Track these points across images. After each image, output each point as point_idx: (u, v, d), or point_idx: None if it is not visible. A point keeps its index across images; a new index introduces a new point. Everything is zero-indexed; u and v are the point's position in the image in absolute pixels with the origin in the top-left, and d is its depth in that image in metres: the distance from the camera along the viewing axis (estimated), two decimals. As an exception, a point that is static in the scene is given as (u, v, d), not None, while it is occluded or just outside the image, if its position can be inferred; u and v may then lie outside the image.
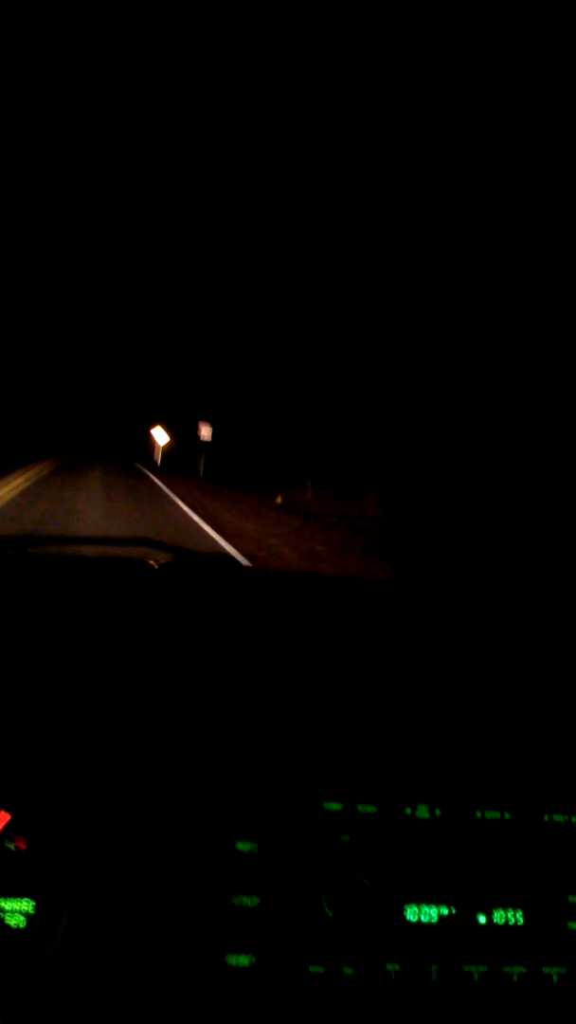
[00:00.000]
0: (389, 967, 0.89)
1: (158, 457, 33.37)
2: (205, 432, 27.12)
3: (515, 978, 0.91)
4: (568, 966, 0.92)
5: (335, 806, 0.90)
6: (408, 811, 0.92)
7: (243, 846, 0.87)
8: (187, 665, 0.99)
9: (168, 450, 33.21)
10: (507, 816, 0.93)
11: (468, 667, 1.05)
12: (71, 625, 1.05)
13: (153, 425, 35.00)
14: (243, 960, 0.86)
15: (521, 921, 0.92)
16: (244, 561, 7.87)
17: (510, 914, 0.92)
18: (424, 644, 1.09)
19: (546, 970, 0.92)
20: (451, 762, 0.94)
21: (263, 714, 0.93)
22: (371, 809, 0.91)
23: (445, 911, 0.91)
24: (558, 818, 0.94)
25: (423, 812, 0.92)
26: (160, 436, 33.31)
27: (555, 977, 0.92)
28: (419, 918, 0.90)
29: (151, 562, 1.31)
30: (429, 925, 0.90)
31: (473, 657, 1.07)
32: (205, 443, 27.30)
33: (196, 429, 27.47)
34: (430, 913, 0.91)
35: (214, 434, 27.33)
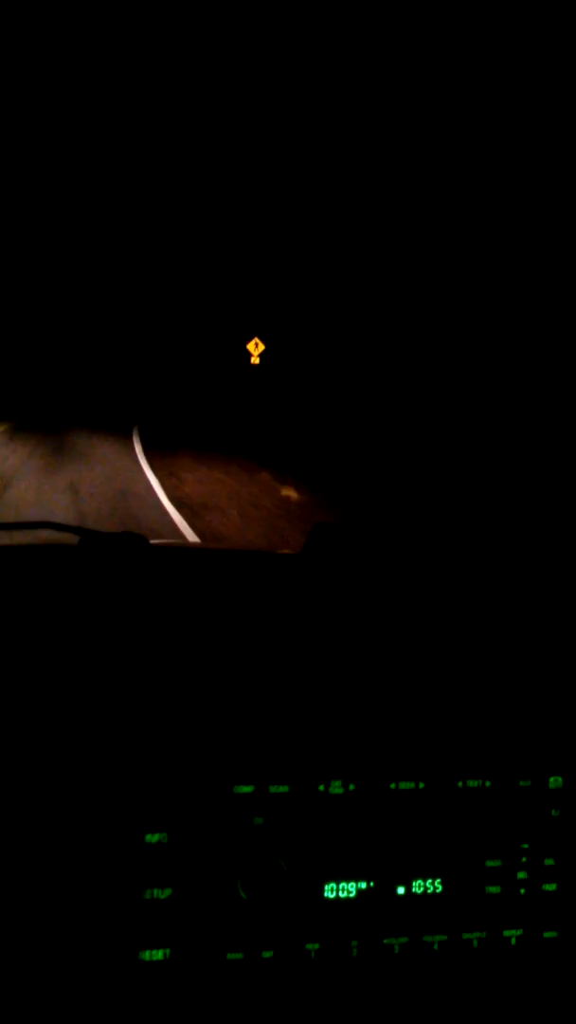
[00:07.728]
0: (309, 947, 0.88)
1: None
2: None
3: (436, 946, 0.91)
4: (487, 930, 0.93)
5: (246, 789, 0.88)
6: (321, 788, 0.90)
7: (152, 837, 0.85)
8: (89, 653, 0.96)
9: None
10: (421, 785, 0.93)
11: (374, 639, 1.04)
12: None
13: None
14: (158, 954, 0.84)
15: (440, 889, 0.92)
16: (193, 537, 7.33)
17: (429, 883, 0.92)
18: (329, 618, 1.07)
19: (466, 936, 0.92)
20: (362, 736, 0.93)
21: (167, 700, 0.91)
22: (283, 789, 0.89)
23: (364, 885, 0.90)
24: (472, 783, 0.94)
25: (336, 788, 0.91)
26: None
27: (475, 942, 0.92)
28: (338, 895, 0.89)
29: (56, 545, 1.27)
30: (348, 901, 0.90)
31: (378, 628, 1.07)
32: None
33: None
34: (349, 889, 0.90)
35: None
